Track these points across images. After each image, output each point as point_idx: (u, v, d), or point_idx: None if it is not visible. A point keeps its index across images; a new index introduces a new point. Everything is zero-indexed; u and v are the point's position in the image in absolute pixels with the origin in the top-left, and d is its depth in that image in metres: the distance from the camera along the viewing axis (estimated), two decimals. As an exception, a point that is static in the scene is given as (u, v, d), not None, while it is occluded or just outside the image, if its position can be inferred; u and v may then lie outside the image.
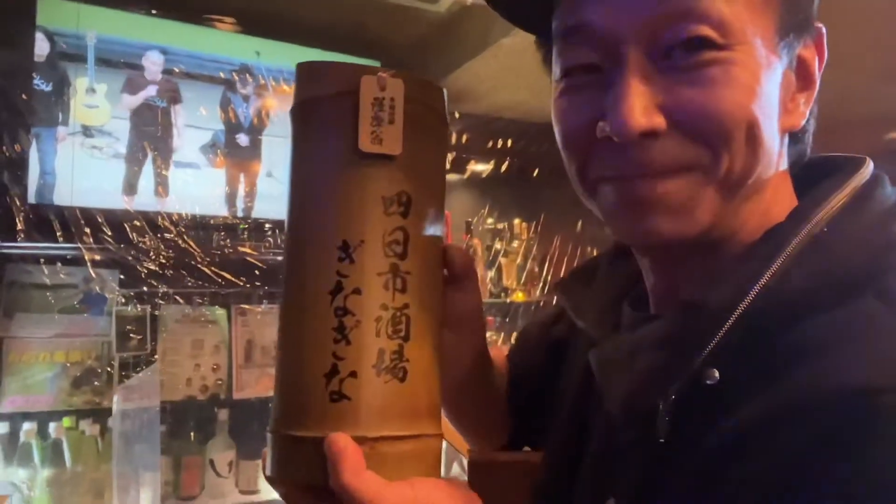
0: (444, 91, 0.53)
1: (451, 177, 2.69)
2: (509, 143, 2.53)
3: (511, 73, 2.28)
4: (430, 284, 0.50)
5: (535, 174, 2.60)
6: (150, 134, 2.13)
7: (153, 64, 2.15)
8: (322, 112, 0.49)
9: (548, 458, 0.63)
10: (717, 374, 0.44)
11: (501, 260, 2.72)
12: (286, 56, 2.29)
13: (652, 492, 0.47)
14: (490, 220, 2.75)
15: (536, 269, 2.72)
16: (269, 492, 2.15)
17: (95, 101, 2.08)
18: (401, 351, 0.47)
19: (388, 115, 0.47)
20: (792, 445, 0.39)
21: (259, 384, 2.16)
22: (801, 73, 0.48)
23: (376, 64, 2.36)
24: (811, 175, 0.50)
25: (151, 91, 2.15)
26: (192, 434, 2.09)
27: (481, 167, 2.68)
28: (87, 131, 2.07)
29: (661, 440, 0.46)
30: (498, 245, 2.75)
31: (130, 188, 2.08)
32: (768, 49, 0.45)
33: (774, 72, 0.45)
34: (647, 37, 0.45)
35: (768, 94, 0.45)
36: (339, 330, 0.46)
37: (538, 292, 2.68)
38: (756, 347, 0.43)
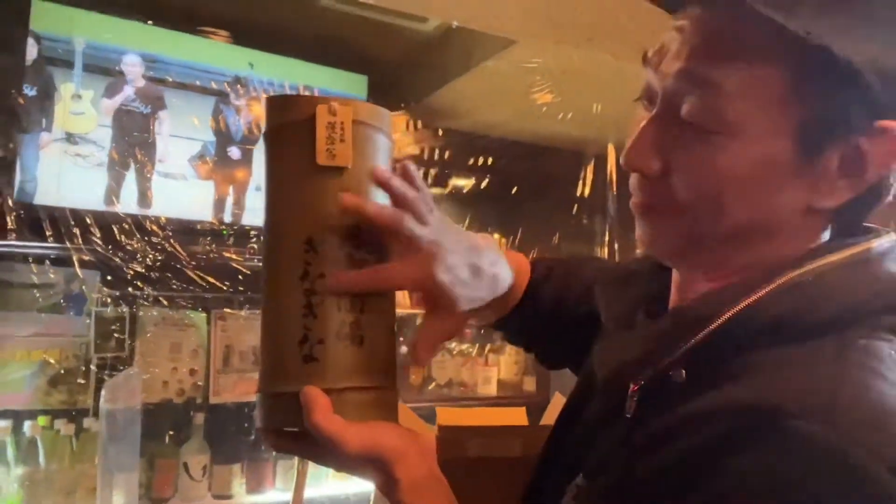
0: (388, 113, 0.64)
1: (433, 191, 2.73)
2: (490, 160, 2.60)
3: (494, 94, 2.36)
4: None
5: (514, 191, 2.67)
6: (133, 141, 2.12)
7: (131, 66, 2.14)
8: (288, 135, 0.60)
9: (552, 430, 0.69)
10: (683, 374, 0.51)
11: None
12: (279, 69, 2.31)
13: (614, 466, 0.53)
14: (470, 235, 2.80)
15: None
16: (241, 496, 2.17)
17: (81, 108, 2.07)
18: (357, 322, 0.58)
19: (339, 135, 0.59)
20: (704, 441, 0.46)
21: (236, 389, 2.17)
22: (852, 162, 0.51)
23: (363, 78, 2.42)
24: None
25: (129, 92, 2.13)
26: (167, 436, 2.10)
27: (463, 182, 2.74)
28: (71, 138, 2.05)
29: (627, 416, 0.53)
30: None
31: (113, 197, 2.09)
32: (772, 141, 0.50)
33: (774, 160, 0.50)
34: (671, 99, 0.53)
35: (755, 178, 0.51)
36: (308, 307, 0.57)
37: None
38: (720, 359, 0.49)
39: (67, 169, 2.04)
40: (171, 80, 2.19)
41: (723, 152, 0.50)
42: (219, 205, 2.26)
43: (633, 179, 0.56)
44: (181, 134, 2.22)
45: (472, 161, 2.61)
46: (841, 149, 0.50)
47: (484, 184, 2.65)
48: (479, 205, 2.67)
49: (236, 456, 2.16)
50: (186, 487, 2.09)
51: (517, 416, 1.14)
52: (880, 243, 0.53)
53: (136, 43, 2.15)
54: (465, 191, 2.72)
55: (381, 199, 0.61)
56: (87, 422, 1.93)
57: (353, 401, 0.57)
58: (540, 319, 0.82)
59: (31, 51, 1.98)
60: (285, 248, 0.59)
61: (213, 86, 2.26)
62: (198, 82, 2.23)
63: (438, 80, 2.36)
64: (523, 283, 0.82)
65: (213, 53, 2.26)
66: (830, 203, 0.52)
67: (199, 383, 2.15)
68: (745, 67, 0.49)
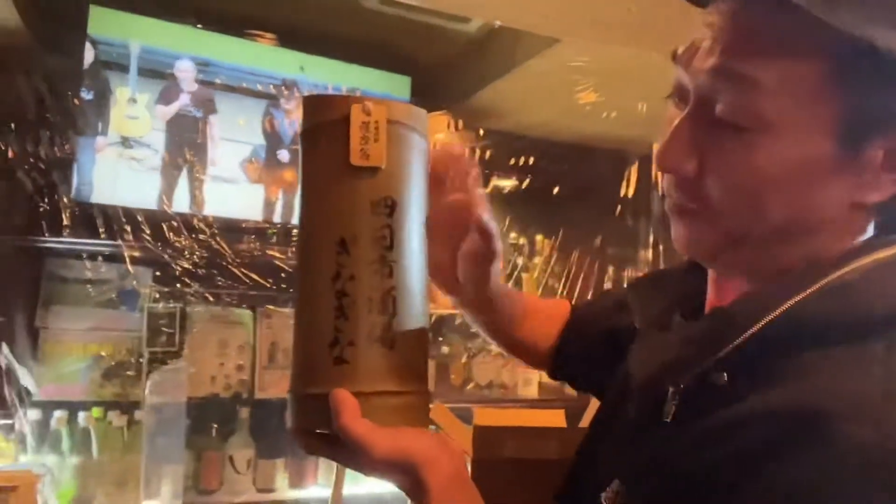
0: (424, 113, 0.64)
1: (475, 191, 2.74)
2: (532, 160, 2.59)
3: (536, 93, 2.34)
4: (414, 269, 0.60)
5: (556, 191, 2.65)
6: (186, 145, 2.15)
7: (184, 72, 2.16)
8: (323, 135, 0.60)
9: (587, 433, 0.69)
10: (725, 376, 0.50)
11: (522, 275, 2.76)
12: (325, 71, 2.32)
13: (651, 471, 0.52)
14: (512, 235, 2.80)
15: (557, 285, 2.76)
16: (284, 490, 2.20)
17: (136, 112, 2.10)
18: (389, 324, 0.58)
19: (373, 135, 0.58)
20: (750, 445, 0.45)
21: (281, 385, 2.20)
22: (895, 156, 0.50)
23: (406, 79, 2.44)
24: None
25: (185, 100, 2.15)
26: (213, 430, 2.15)
27: (504, 183, 2.73)
28: (126, 142, 2.08)
29: (667, 420, 0.52)
30: (519, 260, 2.80)
31: (165, 198, 2.13)
32: (812, 137, 0.49)
33: (815, 156, 0.49)
34: (704, 98, 0.51)
35: (795, 176, 0.49)
36: (339, 309, 0.57)
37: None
38: (764, 362, 0.48)
39: (122, 171, 2.08)
40: (222, 83, 2.21)
41: (760, 150, 0.49)
42: (268, 207, 2.28)
43: (668, 181, 0.55)
44: (232, 137, 2.23)
45: (513, 161, 2.60)
46: (884, 142, 0.49)
47: (525, 184, 2.63)
48: (521, 205, 2.66)
49: (280, 451, 2.19)
50: (232, 480, 2.13)
51: (555, 418, 1.13)
52: None
53: (189, 47, 2.18)
54: (506, 191, 2.72)
55: (414, 198, 0.61)
56: (139, 414, 1.99)
57: (382, 405, 0.56)
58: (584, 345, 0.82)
59: (88, 55, 2.03)
60: (317, 249, 0.59)
61: (260, 88, 2.28)
62: (246, 85, 2.25)
63: (481, 80, 2.35)
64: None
65: (263, 57, 2.28)
66: (876, 197, 0.51)
67: (245, 379, 2.19)
68: (782, 62, 0.48)
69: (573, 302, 0.89)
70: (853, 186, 0.50)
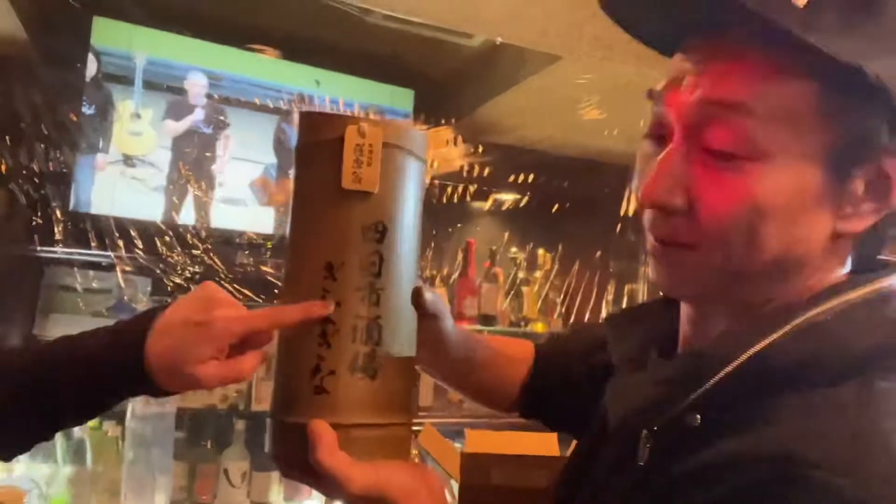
0: (424, 134, 0.62)
1: (475, 205, 2.74)
2: (534, 175, 2.59)
3: (539, 109, 2.34)
4: (402, 297, 0.59)
5: (557, 206, 2.65)
6: (193, 164, 2.05)
7: (196, 86, 2.07)
8: (315, 154, 0.58)
9: (563, 474, 0.68)
10: (698, 418, 0.49)
11: (523, 289, 2.76)
12: (333, 84, 2.26)
13: None
14: (513, 249, 2.80)
15: (558, 299, 2.75)
16: (278, 503, 2.19)
17: (139, 128, 2.01)
18: (373, 354, 0.56)
19: (367, 158, 0.56)
20: (724, 491, 0.45)
21: (277, 397, 2.21)
22: (878, 185, 0.50)
23: (409, 92, 2.44)
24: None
25: (199, 116, 2.03)
26: (208, 442, 2.15)
27: (506, 197, 2.73)
28: (128, 160, 1.99)
29: (640, 464, 0.52)
30: (521, 274, 2.79)
31: (174, 214, 2.08)
32: (805, 165, 0.48)
33: (808, 185, 0.49)
34: (688, 133, 0.50)
35: (788, 205, 0.49)
36: (322, 335, 0.56)
37: (558, 322, 2.70)
38: (736, 404, 0.48)
39: (123, 191, 2.01)
40: (233, 97, 2.11)
41: (755, 179, 0.48)
42: (279, 227, 2.21)
43: (652, 218, 0.53)
44: (243, 156, 2.15)
45: (515, 176, 2.60)
46: (867, 171, 0.49)
47: (526, 199, 2.63)
48: (522, 220, 2.66)
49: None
50: (226, 493, 2.12)
51: (548, 445, 1.12)
52: None
53: (197, 59, 2.10)
54: (508, 205, 2.72)
55: (406, 223, 0.59)
56: (127, 423, 1.98)
57: (361, 438, 0.55)
58: (552, 385, 0.81)
59: (91, 67, 1.99)
60: (304, 272, 0.58)
61: (270, 104, 2.20)
62: (258, 100, 2.15)
63: (484, 94, 2.35)
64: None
65: (274, 70, 2.21)
66: (857, 227, 0.50)
67: (242, 390, 2.18)
68: (772, 89, 0.47)
69: (571, 320, 0.88)
70: (836, 216, 0.50)
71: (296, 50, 2.24)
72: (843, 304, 0.49)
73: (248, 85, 2.16)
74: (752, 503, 0.43)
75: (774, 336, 0.47)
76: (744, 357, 0.47)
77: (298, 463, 0.55)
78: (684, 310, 0.59)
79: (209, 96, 2.11)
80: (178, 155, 2.06)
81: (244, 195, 2.17)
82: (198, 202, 2.09)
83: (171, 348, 0.59)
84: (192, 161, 2.06)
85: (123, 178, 2.00)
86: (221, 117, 2.11)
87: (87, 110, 1.98)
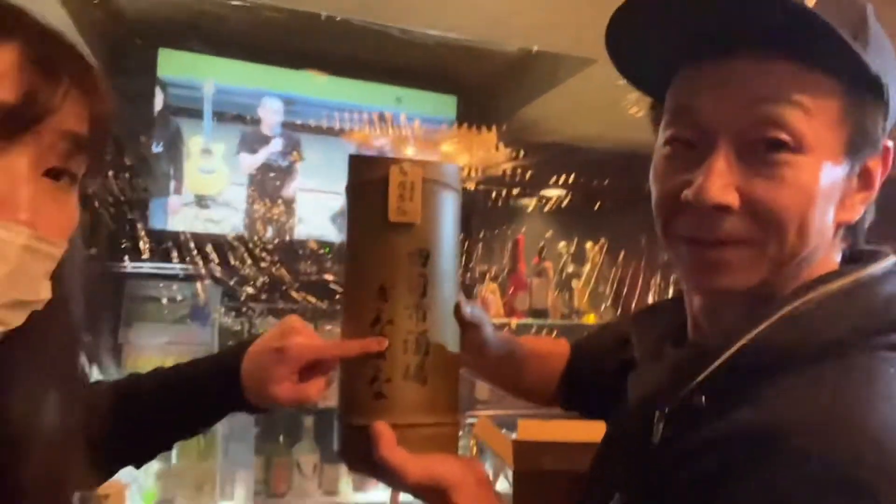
0: (457, 169, 0.70)
1: (523, 202, 2.81)
2: (578, 170, 2.63)
3: (581, 108, 2.39)
4: (445, 313, 0.68)
5: (601, 201, 2.70)
6: (269, 196, 1.88)
7: (271, 113, 1.89)
8: (365, 192, 0.67)
9: (595, 456, 0.76)
10: (703, 400, 0.56)
11: (573, 282, 2.82)
12: (382, 96, 2.17)
13: (643, 487, 0.60)
14: (562, 244, 2.86)
15: (606, 291, 2.80)
16: (348, 494, 2.33)
17: (211, 165, 1.88)
18: (422, 363, 0.65)
19: (409, 193, 0.65)
20: (715, 464, 0.52)
21: (341, 395, 2.32)
22: (864, 179, 0.58)
23: (453, 99, 2.52)
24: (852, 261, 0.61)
25: (276, 146, 1.85)
26: (280, 437, 2.30)
27: (552, 193, 2.79)
28: (201, 201, 1.87)
29: (655, 442, 0.59)
30: (570, 268, 2.86)
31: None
32: (834, 158, 0.55)
33: (836, 177, 0.55)
34: (738, 133, 0.55)
35: (826, 194, 0.55)
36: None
37: (610, 311, 2.75)
38: (735, 386, 0.55)
39: (198, 238, 1.92)
40: (307, 123, 1.92)
41: (803, 170, 0.54)
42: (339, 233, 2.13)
43: (692, 221, 0.57)
44: (321, 188, 1.98)
45: (560, 171, 2.65)
46: (862, 165, 0.57)
47: (570, 195, 2.68)
48: (566, 216, 2.71)
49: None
50: (299, 484, 2.27)
51: (596, 431, 1.20)
52: (876, 268, 0.57)
53: (270, 83, 1.93)
54: (553, 202, 2.77)
55: (446, 248, 0.67)
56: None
57: (416, 435, 0.63)
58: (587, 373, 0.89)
59: (158, 100, 1.96)
60: (360, 295, 0.66)
61: (339, 126, 2.02)
62: (334, 124, 1.96)
63: (524, 97, 2.41)
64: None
65: (346, 91, 2.04)
66: (852, 217, 0.57)
67: (309, 388, 2.31)
68: (816, 88, 0.54)
69: (619, 310, 0.96)
70: (838, 207, 0.57)
71: (343, 68, 2.26)
72: (821, 296, 0.55)
73: (326, 108, 1.99)
74: (738, 475, 0.49)
75: (762, 326, 0.54)
76: (737, 346, 0.54)
77: (363, 459, 0.64)
78: (697, 303, 0.65)
79: (284, 124, 1.92)
80: (254, 191, 1.90)
81: (324, 230, 1.99)
82: (273, 226, 2.03)
83: (255, 370, 0.72)
84: (269, 195, 1.91)
85: (198, 220, 1.90)
86: (297, 146, 1.93)
87: (156, 148, 1.87)
